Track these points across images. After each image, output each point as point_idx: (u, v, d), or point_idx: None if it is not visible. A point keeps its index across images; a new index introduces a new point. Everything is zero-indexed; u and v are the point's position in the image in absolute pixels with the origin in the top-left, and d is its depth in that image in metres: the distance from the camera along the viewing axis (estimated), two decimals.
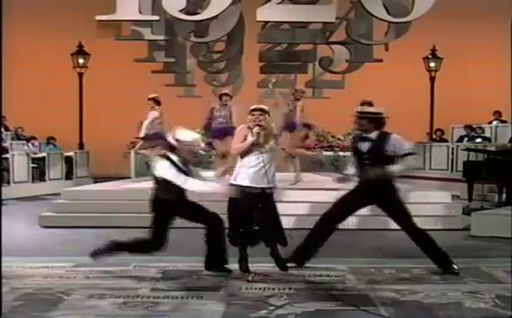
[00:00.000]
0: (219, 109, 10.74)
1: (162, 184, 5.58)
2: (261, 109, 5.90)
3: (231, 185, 5.83)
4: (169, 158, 5.61)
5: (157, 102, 10.98)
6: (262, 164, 5.76)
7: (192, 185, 5.53)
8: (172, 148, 5.67)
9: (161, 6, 10.46)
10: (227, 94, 10.92)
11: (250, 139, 5.79)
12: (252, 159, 5.80)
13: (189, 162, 5.75)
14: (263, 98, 15.48)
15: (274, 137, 5.96)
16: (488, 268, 6.13)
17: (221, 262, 5.84)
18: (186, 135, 5.73)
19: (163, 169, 5.57)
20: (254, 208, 5.76)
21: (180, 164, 5.61)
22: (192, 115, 11.94)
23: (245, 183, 5.77)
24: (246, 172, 5.79)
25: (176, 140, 5.66)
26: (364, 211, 8.98)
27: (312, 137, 13.81)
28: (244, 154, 5.83)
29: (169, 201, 5.59)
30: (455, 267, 5.95)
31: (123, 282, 5.55)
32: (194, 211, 5.79)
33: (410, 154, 5.85)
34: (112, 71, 17.12)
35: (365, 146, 5.93)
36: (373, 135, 5.91)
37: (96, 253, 5.88)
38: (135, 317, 4.60)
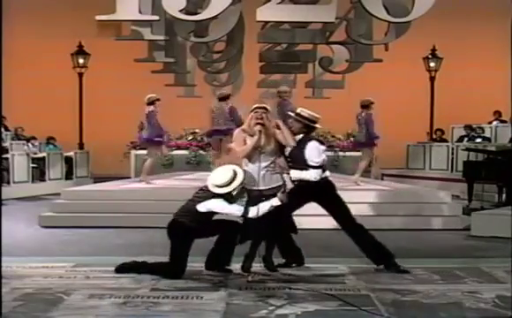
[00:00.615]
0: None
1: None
2: (264, 108, 5.89)
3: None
4: None
5: None
6: (258, 165, 5.73)
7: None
8: None
9: (161, 6, 10.45)
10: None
11: (252, 139, 5.76)
12: (252, 160, 5.79)
13: None
14: (263, 98, 15.48)
15: (276, 140, 5.84)
16: (488, 269, 6.12)
17: (223, 263, 5.85)
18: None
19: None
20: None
21: None
22: (192, 115, 11.97)
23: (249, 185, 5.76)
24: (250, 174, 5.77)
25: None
26: (365, 211, 9.05)
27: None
28: (248, 156, 5.81)
29: (189, 227, 5.59)
30: (401, 267, 5.96)
31: (123, 282, 5.55)
32: (212, 229, 5.76)
33: (313, 167, 5.79)
34: (112, 71, 17.12)
35: (288, 148, 5.94)
36: (297, 138, 5.93)
37: (120, 270, 5.83)
38: (135, 317, 4.59)
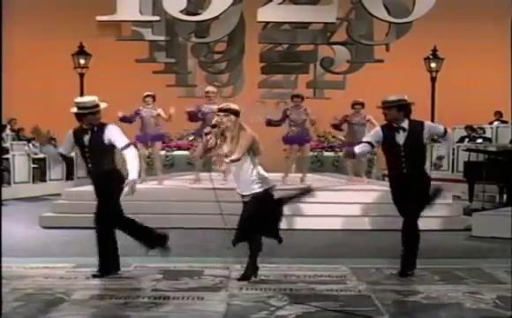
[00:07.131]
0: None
1: None
2: (226, 110, 5.44)
3: None
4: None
5: None
6: (234, 170, 5.55)
7: None
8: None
9: (162, 7, 10.45)
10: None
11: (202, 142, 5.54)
12: (231, 165, 5.54)
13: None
14: (264, 98, 15.47)
15: (240, 140, 5.37)
16: (489, 269, 6.12)
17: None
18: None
19: None
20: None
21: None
22: None
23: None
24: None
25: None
26: (366, 211, 9.04)
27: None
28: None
29: None
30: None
31: (123, 282, 5.55)
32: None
33: None
34: (113, 72, 17.11)
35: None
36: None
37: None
38: None
